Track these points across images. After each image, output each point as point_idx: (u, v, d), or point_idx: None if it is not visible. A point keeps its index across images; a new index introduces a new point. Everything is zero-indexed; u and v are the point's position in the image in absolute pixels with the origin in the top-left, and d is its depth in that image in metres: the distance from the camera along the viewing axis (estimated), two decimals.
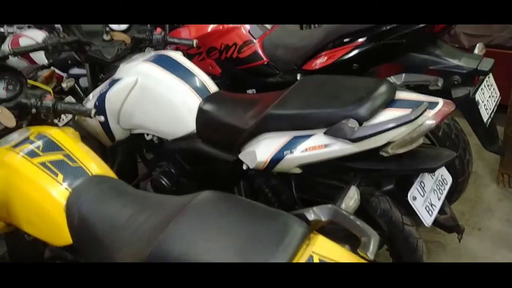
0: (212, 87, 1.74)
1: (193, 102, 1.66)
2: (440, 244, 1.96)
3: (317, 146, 1.26)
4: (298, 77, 2.06)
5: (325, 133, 1.24)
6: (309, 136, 1.28)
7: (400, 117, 1.15)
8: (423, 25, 1.67)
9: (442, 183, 1.40)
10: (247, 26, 2.27)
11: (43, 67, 2.48)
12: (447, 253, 1.92)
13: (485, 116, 1.73)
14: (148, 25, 1.95)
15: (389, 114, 1.19)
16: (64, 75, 2.78)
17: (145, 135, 1.84)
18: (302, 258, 0.79)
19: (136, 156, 2.05)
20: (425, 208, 1.31)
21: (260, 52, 2.23)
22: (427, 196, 1.32)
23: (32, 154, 1.27)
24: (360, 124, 1.19)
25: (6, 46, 2.95)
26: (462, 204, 2.10)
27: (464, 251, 1.91)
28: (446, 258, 1.89)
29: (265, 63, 2.23)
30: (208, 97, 1.68)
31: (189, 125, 1.65)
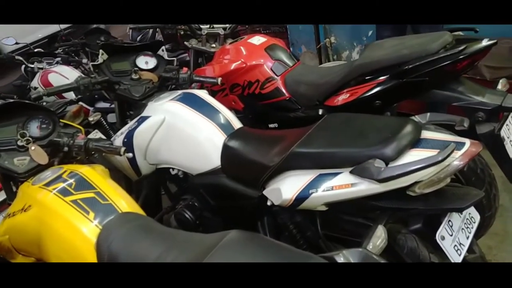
0: (236, 124, 1.77)
1: (218, 138, 1.69)
2: None
3: (343, 185, 1.25)
4: (320, 112, 2.08)
5: (351, 172, 1.24)
6: (335, 174, 1.28)
7: (427, 158, 1.14)
8: (446, 63, 1.67)
9: (470, 222, 1.37)
10: (270, 64, 2.31)
11: (71, 102, 2.57)
12: None
13: (511, 151, 1.70)
14: (175, 65, 2.01)
15: (415, 155, 1.18)
16: (91, 109, 2.86)
17: (170, 170, 1.87)
18: None
19: (160, 189, 2.08)
20: (454, 247, 1.28)
21: (282, 88, 2.26)
22: (455, 236, 1.29)
23: (64, 192, 1.31)
24: (386, 164, 1.19)
25: (36, 82, 3.08)
26: (489, 238, 2.03)
27: None
28: None
29: (287, 98, 2.25)
30: (232, 134, 1.71)
31: (214, 161, 1.67)
